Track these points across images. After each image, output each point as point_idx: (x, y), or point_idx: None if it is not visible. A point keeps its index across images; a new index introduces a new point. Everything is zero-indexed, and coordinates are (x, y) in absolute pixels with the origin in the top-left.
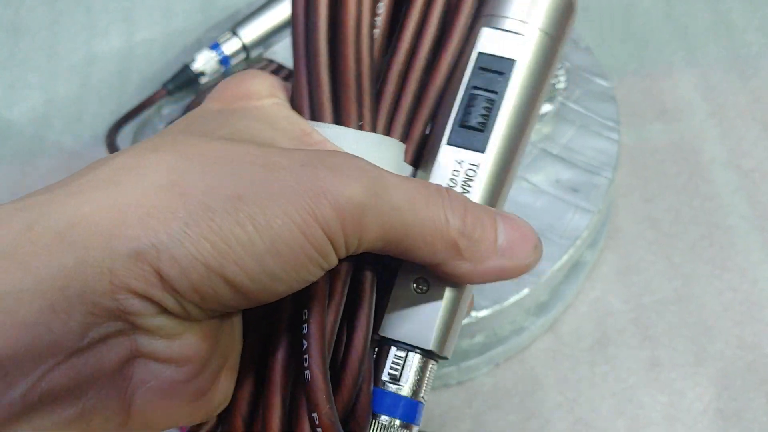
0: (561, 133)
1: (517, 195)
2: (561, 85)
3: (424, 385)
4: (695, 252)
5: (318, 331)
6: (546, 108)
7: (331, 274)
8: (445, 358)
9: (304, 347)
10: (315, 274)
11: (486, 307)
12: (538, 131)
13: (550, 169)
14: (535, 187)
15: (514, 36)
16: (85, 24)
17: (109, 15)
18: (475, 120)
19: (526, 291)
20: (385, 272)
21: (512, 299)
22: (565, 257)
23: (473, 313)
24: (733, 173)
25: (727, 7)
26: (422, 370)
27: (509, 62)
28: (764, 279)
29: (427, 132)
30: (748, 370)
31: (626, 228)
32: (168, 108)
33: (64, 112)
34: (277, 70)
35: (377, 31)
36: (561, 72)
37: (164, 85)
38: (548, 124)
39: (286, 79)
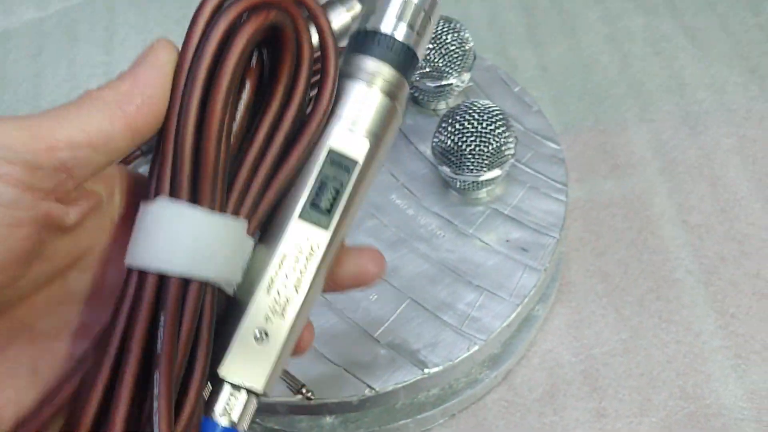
0: (512, 193)
1: (470, 254)
2: (510, 152)
3: (248, 417)
4: (643, 305)
5: (166, 387)
6: (497, 172)
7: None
8: (267, 396)
9: (155, 394)
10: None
11: (437, 365)
12: (490, 192)
13: (501, 229)
14: (487, 245)
15: (357, 137)
16: (66, 77)
17: (91, 69)
18: (323, 204)
19: (476, 347)
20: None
21: (463, 355)
22: (513, 315)
23: (425, 369)
24: (681, 228)
25: (679, 65)
26: (248, 406)
27: (353, 162)
28: (707, 332)
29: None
30: (689, 420)
31: (578, 281)
32: (143, 168)
33: None
34: None
35: (236, 124)
36: (511, 139)
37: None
38: (500, 185)
39: None
